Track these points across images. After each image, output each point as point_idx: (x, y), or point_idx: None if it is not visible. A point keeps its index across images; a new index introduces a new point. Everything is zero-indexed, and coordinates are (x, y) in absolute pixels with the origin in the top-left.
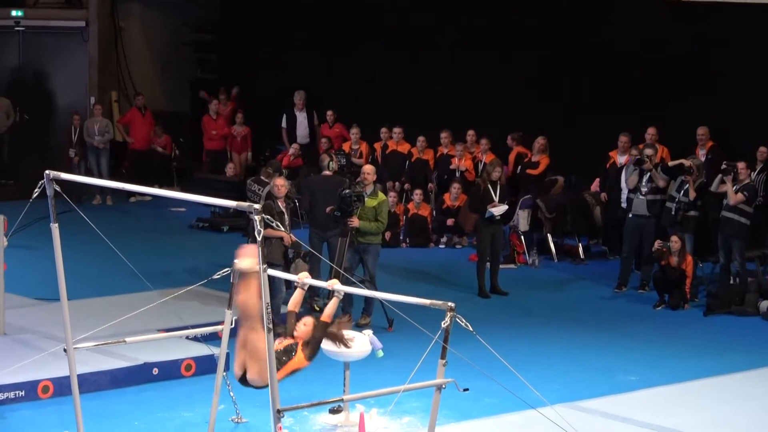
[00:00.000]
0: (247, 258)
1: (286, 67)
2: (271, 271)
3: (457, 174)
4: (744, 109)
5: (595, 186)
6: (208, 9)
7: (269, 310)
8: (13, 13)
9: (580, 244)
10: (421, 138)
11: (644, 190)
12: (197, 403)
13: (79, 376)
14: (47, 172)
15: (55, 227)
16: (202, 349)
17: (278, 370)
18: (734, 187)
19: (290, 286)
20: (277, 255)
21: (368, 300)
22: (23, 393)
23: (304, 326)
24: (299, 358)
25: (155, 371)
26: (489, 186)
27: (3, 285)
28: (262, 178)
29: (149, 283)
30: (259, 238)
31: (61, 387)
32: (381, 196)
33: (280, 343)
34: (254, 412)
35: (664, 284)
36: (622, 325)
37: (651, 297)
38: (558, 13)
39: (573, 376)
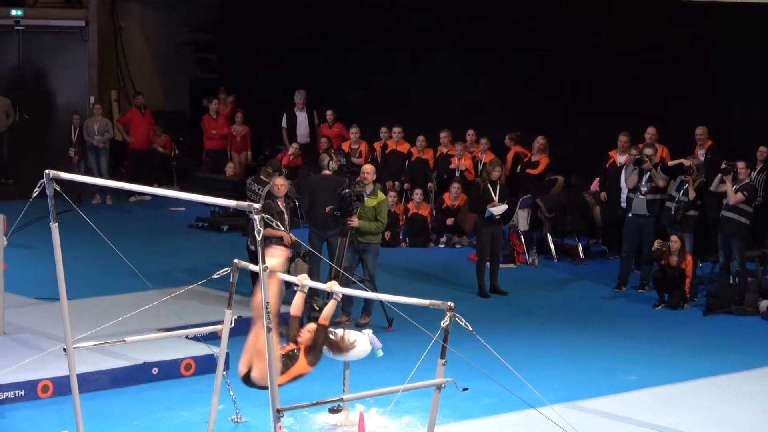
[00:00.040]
0: (272, 258)
1: (286, 67)
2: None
3: (457, 174)
4: (744, 109)
5: (594, 186)
6: (208, 9)
7: (269, 309)
8: (13, 12)
9: (580, 244)
10: (420, 138)
11: (644, 189)
12: (197, 403)
13: (78, 375)
14: (47, 171)
15: (54, 227)
16: (202, 349)
17: (281, 374)
18: (734, 187)
19: (289, 285)
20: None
21: (368, 299)
22: (23, 392)
23: (308, 333)
24: (302, 363)
25: (155, 371)
26: (489, 186)
27: (3, 284)
28: (262, 177)
29: (149, 283)
30: (258, 238)
31: (60, 386)
32: (381, 195)
33: (284, 349)
34: (254, 411)
35: (663, 284)
36: (622, 325)
37: (651, 297)
38: (558, 13)
39: (573, 376)
